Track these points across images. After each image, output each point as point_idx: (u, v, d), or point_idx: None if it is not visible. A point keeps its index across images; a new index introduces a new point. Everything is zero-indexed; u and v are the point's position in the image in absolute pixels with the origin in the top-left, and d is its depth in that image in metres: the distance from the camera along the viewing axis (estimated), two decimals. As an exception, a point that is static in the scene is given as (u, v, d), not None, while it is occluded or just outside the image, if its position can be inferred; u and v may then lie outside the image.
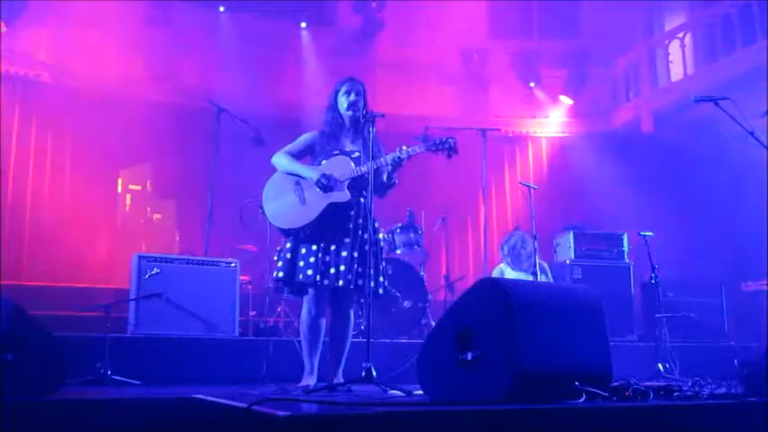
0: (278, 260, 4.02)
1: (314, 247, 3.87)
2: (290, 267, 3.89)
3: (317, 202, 3.88)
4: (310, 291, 3.95)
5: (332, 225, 3.89)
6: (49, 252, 8.05)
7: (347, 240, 3.88)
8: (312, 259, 3.84)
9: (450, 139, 3.94)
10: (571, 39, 10.75)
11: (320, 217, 3.86)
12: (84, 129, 8.55)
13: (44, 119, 8.53)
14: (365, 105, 4.05)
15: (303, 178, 3.95)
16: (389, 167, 3.94)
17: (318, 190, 3.89)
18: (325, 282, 3.83)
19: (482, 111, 10.66)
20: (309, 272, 3.82)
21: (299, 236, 3.91)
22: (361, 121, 3.98)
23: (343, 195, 3.89)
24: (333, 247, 3.87)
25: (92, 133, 8.56)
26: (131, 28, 9.24)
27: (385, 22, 10.24)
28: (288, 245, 3.94)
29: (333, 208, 3.88)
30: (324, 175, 3.88)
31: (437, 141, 3.96)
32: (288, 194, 3.94)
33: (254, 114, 6.82)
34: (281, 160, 4.04)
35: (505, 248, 6.08)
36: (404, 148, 3.91)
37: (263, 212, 4.01)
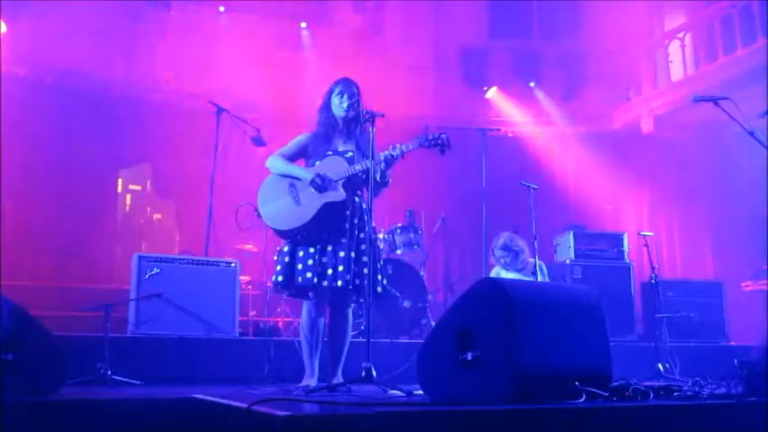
0: (276, 263, 3.98)
1: (311, 249, 3.85)
2: (289, 271, 3.87)
3: (311, 203, 3.86)
4: (310, 293, 3.95)
5: (328, 225, 3.87)
6: (49, 252, 8.05)
7: (344, 240, 3.86)
8: (310, 261, 3.83)
9: (442, 135, 3.88)
10: (571, 39, 10.75)
11: (316, 217, 3.82)
12: (85, 129, 8.55)
13: (44, 118, 8.53)
14: (359, 106, 4.00)
15: (297, 179, 3.92)
16: (383, 165, 3.89)
17: (313, 190, 3.86)
18: (324, 283, 3.83)
19: (482, 111, 10.67)
20: (308, 274, 3.81)
21: (296, 238, 3.89)
22: (361, 120, 3.96)
23: (338, 195, 3.86)
24: (330, 248, 3.85)
25: (92, 133, 8.56)
26: (132, 28, 9.26)
27: (384, 22, 10.23)
28: (286, 248, 3.93)
29: (328, 208, 3.85)
30: (318, 175, 3.85)
31: (429, 137, 3.89)
32: (283, 196, 3.91)
33: (254, 114, 6.81)
34: (275, 162, 4.01)
35: (497, 252, 5.70)
36: (396, 145, 3.87)
37: (259, 215, 3.98)
